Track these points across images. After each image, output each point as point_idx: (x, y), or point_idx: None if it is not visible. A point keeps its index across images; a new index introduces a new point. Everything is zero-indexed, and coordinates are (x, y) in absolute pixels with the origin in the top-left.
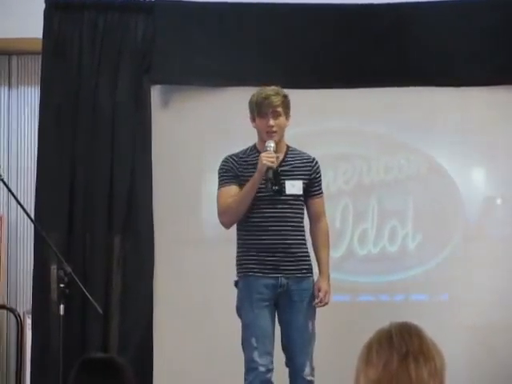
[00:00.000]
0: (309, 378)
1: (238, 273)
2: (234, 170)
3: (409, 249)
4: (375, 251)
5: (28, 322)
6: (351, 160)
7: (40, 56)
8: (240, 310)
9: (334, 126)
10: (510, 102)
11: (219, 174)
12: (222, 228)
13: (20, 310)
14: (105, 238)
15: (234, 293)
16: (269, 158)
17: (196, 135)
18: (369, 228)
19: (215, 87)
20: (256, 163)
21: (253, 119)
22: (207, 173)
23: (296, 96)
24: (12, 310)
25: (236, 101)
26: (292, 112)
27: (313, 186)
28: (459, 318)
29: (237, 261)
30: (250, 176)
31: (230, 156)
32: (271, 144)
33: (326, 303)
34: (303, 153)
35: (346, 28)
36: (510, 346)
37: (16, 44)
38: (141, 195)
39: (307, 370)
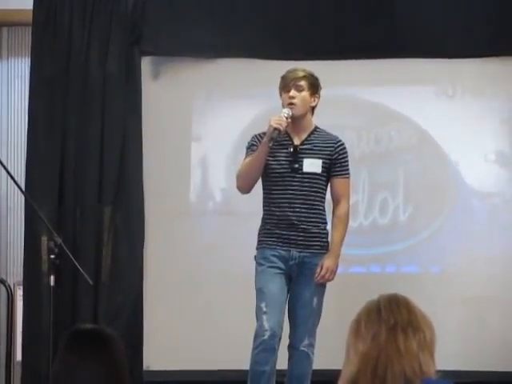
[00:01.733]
0: (305, 349)
1: (256, 247)
2: (257, 144)
3: (400, 220)
4: (366, 223)
5: (19, 293)
6: (342, 131)
7: (30, 27)
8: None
9: (324, 98)
10: (500, 72)
11: (246, 148)
12: (213, 200)
13: (10, 282)
14: (95, 210)
15: (223, 265)
16: (277, 120)
17: (186, 106)
18: (359, 200)
19: (205, 58)
20: (279, 141)
21: (280, 96)
22: (197, 144)
23: (284, 68)
24: (2, 281)
25: (226, 72)
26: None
27: (335, 167)
28: (451, 289)
29: (257, 236)
30: (270, 151)
31: (259, 134)
32: (285, 110)
33: (328, 279)
34: (330, 134)
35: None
36: (503, 318)
37: (6, 15)
38: (131, 167)
39: (305, 342)
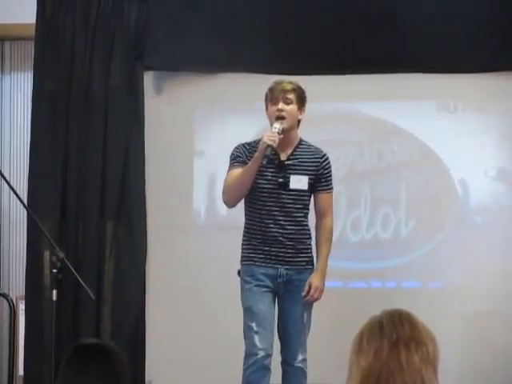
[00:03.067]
0: (300, 365)
1: (241, 261)
2: (243, 156)
3: (402, 235)
4: (368, 237)
5: (21, 307)
6: (343, 147)
7: (33, 42)
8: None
9: (326, 113)
10: (501, 88)
11: (230, 159)
12: (215, 214)
13: (13, 296)
14: (97, 225)
15: (226, 279)
16: (270, 136)
17: (188, 121)
18: (361, 215)
19: (207, 73)
20: (266, 155)
21: (266, 108)
22: (199, 158)
23: None
24: (5, 296)
25: (228, 87)
26: None
27: (320, 182)
28: (452, 305)
29: (241, 250)
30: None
31: (243, 144)
32: (277, 125)
33: (316, 299)
34: (315, 148)
35: (338, 14)
36: (505, 334)
37: (9, 29)
38: (133, 182)
39: (299, 357)
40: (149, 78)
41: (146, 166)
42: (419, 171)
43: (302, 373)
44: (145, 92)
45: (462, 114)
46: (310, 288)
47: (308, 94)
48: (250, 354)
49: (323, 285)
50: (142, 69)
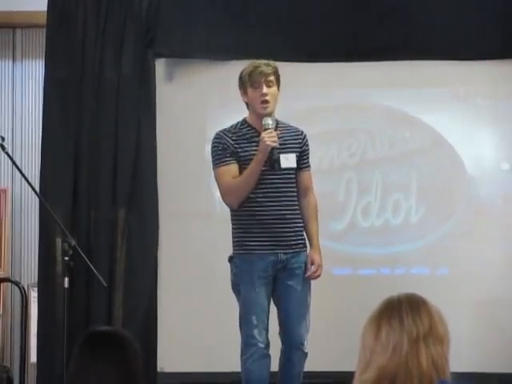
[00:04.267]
0: (306, 350)
1: (235, 250)
2: (230, 147)
3: (412, 221)
4: (378, 223)
5: (32, 294)
6: (355, 135)
7: (44, 29)
8: (238, 286)
9: (338, 101)
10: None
11: (214, 151)
12: None
13: (24, 283)
14: (109, 212)
15: None
16: (271, 137)
17: (200, 108)
18: (372, 201)
19: (219, 60)
20: (250, 137)
21: (244, 92)
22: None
23: (299, 70)
24: (16, 283)
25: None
26: (294, 86)
27: (302, 159)
28: (460, 291)
29: (234, 238)
30: (246, 150)
31: (223, 132)
32: (269, 122)
33: (319, 276)
34: (290, 126)
35: (349, 1)
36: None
37: (20, 17)
38: (145, 169)
39: (305, 343)
40: (160, 65)
41: (158, 154)
42: (431, 159)
43: (305, 357)
44: (156, 79)
45: (474, 101)
46: (312, 265)
47: (319, 82)
48: (249, 344)
49: (322, 261)
50: (154, 56)
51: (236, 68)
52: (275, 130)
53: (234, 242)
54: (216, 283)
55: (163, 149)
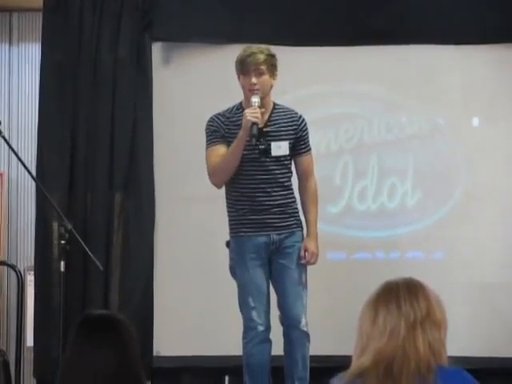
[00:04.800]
0: (305, 329)
1: (230, 233)
2: (221, 130)
3: (408, 205)
4: (374, 207)
5: (29, 278)
6: (353, 119)
7: (41, 13)
8: (234, 270)
9: (336, 86)
10: (509, 59)
11: (206, 133)
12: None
13: (21, 267)
14: (106, 196)
15: None
16: (253, 113)
17: (197, 92)
18: (368, 185)
19: (216, 44)
20: (241, 123)
21: (238, 77)
22: None
23: (296, 54)
24: (13, 267)
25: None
26: (292, 71)
27: (299, 144)
28: (456, 276)
29: (229, 222)
30: (236, 135)
31: (216, 116)
32: (255, 99)
33: (313, 263)
34: (290, 110)
35: None
36: (508, 303)
37: (17, 1)
38: (142, 153)
39: (303, 321)
40: (157, 49)
41: (155, 138)
42: (428, 144)
43: (307, 337)
44: (153, 63)
45: (471, 85)
46: (305, 253)
47: (316, 66)
48: (249, 328)
49: (317, 249)
50: (150, 40)
51: (233, 52)
52: (261, 109)
53: (229, 225)
54: (212, 267)
55: (160, 133)
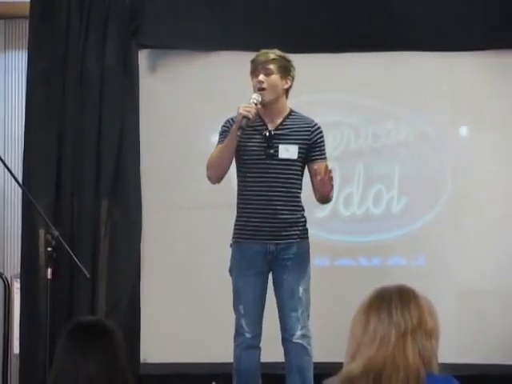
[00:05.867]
0: (300, 341)
1: (232, 237)
2: (229, 131)
3: (393, 212)
4: (359, 213)
5: (15, 285)
6: (340, 128)
7: (27, 20)
8: (231, 274)
9: (323, 94)
10: (498, 66)
11: (219, 133)
12: (210, 193)
13: (7, 274)
14: (92, 203)
15: (221, 257)
16: (246, 107)
17: (184, 99)
18: (354, 191)
19: (203, 51)
20: (253, 126)
21: (252, 80)
22: (195, 137)
23: None
24: None
25: (223, 65)
26: None
27: (314, 151)
28: (442, 282)
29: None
30: (244, 138)
31: (231, 118)
32: (254, 96)
33: (329, 177)
34: (306, 117)
35: None
36: (499, 312)
37: (4, 8)
38: (129, 160)
39: (298, 333)
40: (143, 56)
41: (141, 145)
42: (414, 151)
43: (303, 349)
44: (140, 70)
45: (456, 93)
46: (316, 170)
47: (306, 73)
48: (238, 333)
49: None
50: (137, 47)
51: (219, 59)
52: (256, 105)
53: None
54: (199, 275)
55: (147, 140)
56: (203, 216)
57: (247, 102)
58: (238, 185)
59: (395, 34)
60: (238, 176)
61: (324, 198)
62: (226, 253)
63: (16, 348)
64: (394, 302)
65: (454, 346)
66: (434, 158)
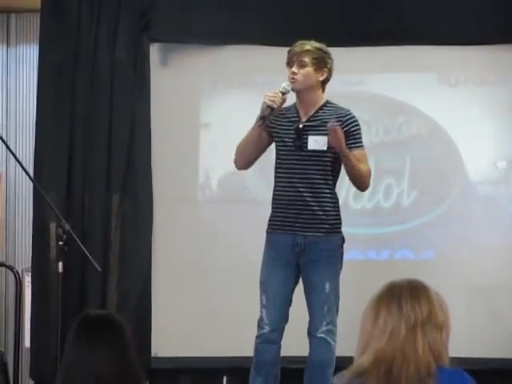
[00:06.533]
0: (323, 335)
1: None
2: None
3: (403, 205)
4: (369, 206)
5: (27, 279)
6: None
7: (39, 14)
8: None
9: (334, 87)
10: (510, 60)
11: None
12: (221, 187)
13: (19, 268)
14: (103, 197)
15: (231, 252)
16: (271, 96)
17: (195, 93)
18: None
19: (214, 45)
20: (288, 116)
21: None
22: (206, 131)
23: None
24: (11, 268)
25: (234, 59)
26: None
27: (348, 140)
28: (451, 276)
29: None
30: (279, 127)
31: None
32: (283, 84)
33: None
34: (341, 108)
35: None
36: (506, 304)
37: (15, 2)
38: (139, 154)
39: (322, 329)
40: (155, 50)
41: (152, 138)
42: (425, 145)
43: (325, 343)
44: (151, 64)
45: (470, 87)
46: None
47: None
48: (259, 325)
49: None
50: (148, 41)
51: (230, 53)
52: (284, 95)
53: None
54: (211, 268)
55: (158, 134)
56: (215, 210)
57: (275, 89)
58: (275, 176)
59: (406, 26)
60: (275, 167)
61: (359, 186)
62: (238, 247)
63: (27, 342)
64: (404, 295)
65: (465, 341)
66: (444, 151)
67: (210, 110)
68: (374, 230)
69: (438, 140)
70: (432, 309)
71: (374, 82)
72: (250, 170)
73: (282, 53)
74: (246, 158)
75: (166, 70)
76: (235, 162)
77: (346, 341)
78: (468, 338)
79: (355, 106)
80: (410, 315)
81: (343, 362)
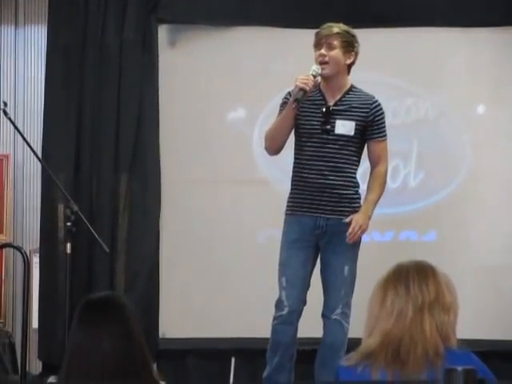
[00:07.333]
0: (337, 317)
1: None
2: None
3: (409, 186)
4: None
5: (34, 260)
6: None
7: None
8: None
9: None
10: None
11: (279, 106)
12: (229, 169)
13: (27, 249)
14: (111, 178)
15: (239, 233)
16: (303, 79)
17: (203, 74)
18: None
19: (222, 26)
20: (312, 99)
21: (314, 53)
22: (214, 112)
23: (302, 36)
24: (19, 249)
25: (243, 40)
26: (296, 54)
27: (372, 129)
28: (458, 257)
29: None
30: (303, 109)
31: (292, 90)
32: (314, 67)
33: (357, 237)
34: (367, 94)
35: None
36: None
37: None
38: (147, 135)
39: (337, 311)
40: (163, 31)
41: (160, 120)
42: (433, 128)
43: (339, 326)
44: (159, 45)
45: (476, 70)
46: (349, 225)
47: None
48: (277, 306)
49: (366, 226)
50: (156, 22)
51: (238, 34)
52: (315, 77)
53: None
54: (218, 249)
55: (166, 115)
56: (222, 190)
57: (306, 73)
58: (294, 158)
59: (413, 9)
60: (295, 149)
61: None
62: (246, 228)
63: (35, 322)
64: (412, 276)
65: (473, 322)
66: (451, 134)
67: (217, 91)
68: (380, 210)
69: (446, 123)
70: (439, 290)
71: (382, 64)
72: (260, 149)
73: (290, 34)
74: (280, 143)
75: (174, 51)
76: (267, 149)
77: (354, 322)
78: (476, 319)
79: (363, 88)
80: (417, 296)
81: (352, 344)
